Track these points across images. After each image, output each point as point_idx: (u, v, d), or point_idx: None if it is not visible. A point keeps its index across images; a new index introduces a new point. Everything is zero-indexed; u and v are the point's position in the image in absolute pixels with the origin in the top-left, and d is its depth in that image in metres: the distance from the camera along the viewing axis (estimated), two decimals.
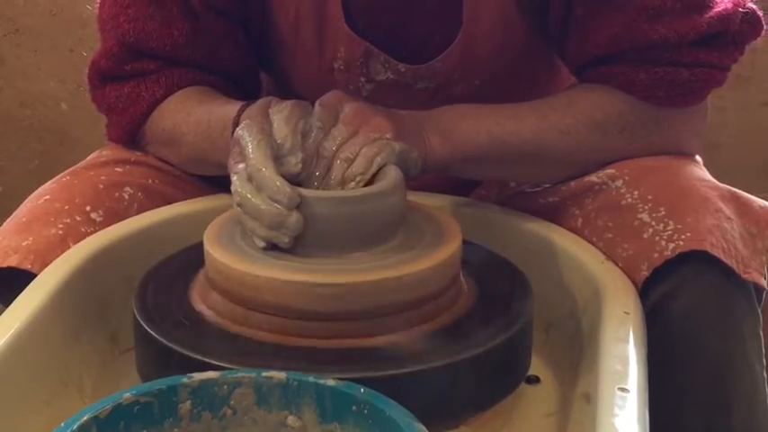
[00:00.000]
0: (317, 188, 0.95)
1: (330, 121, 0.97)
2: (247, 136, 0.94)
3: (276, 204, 0.90)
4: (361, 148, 0.96)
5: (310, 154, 0.95)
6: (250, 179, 0.92)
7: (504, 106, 1.10)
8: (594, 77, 1.12)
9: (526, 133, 1.09)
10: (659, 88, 1.09)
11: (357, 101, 1.00)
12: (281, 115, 0.96)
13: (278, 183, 0.90)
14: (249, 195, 0.92)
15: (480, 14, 1.14)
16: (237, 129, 0.96)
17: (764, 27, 1.12)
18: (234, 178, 0.94)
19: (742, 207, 1.04)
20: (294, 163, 0.94)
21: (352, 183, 0.95)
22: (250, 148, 0.93)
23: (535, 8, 1.14)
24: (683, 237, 0.99)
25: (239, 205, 0.93)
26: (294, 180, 0.94)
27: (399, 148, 0.98)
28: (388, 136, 0.97)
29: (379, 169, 0.96)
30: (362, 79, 1.18)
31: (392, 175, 0.95)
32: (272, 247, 0.93)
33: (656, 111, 1.11)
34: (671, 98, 1.10)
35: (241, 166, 0.94)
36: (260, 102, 1.00)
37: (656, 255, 0.99)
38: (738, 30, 1.10)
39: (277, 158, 0.93)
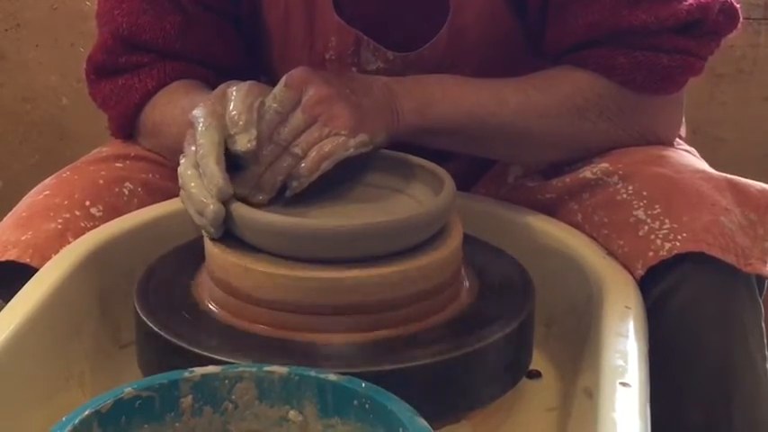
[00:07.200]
0: (261, 173, 0.95)
1: (289, 105, 0.97)
2: (199, 119, 0.94)
3: (208, 192, 0.91)
4: (313, 145, 0.96)
5: (263, 136, 0.95)
6: (196, 164, 0.93)
7: (489, 84, 1.10)
8: (573, 61, 1.12)
9: (507, 114, 1.09)
10: (638, 73, 1.10)
11: (323, 84, 0.99)
12: (238, 93, 0.96)
13: (214, 172, 0.91)
14: (187, 180, 0.93)
15: (466, 4, 1.14)
16: (193, 111, 0.96)
17: (740, 20, 1.13)
18: (182, 161, 0.95)
19: (740, 194, 1.04)
20: (247, 140, 0.93)
21: (295, 182, 0.96)
22: (199, 132, 0.93)
23: None
24: (678, 237, 0.99)
25: (181, 187, 0.94)
26: (248, 158, 0.94)
27: (354, 143, 0.97)
28: (344, 132, 0.97)
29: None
30: (354, 69, 1.18)
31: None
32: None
33: (635, 97, 1.11)
34: (650, 84, 1.11)
35: (192, 148, 0.94)
36: (222, 85, 1.00)
37: (651, 253, 0.99)
38: (716, 19, 1.10)
39: (230, 136, 0.93)
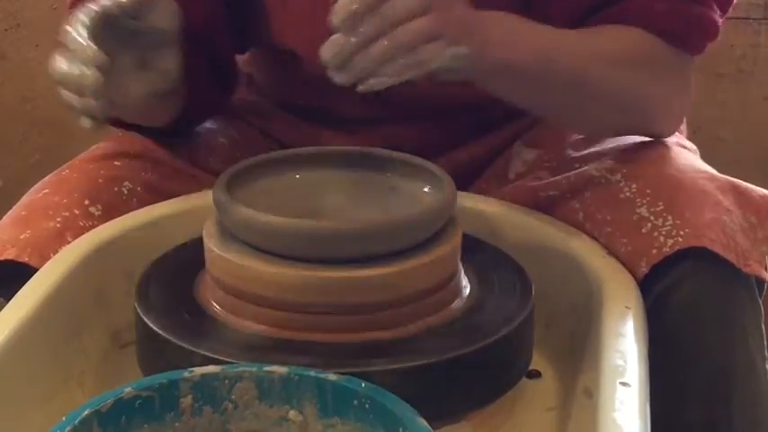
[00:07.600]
0: (353, 48, 0.89)
1: None
2: (78, 12, 0.94)
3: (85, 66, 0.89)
4: (418, 37, 0.90)
5: (365, 9, 0.89)
6: (65, 53, 0.92)
7: (547, 32, 1.06)
8: (609, 17, 1.10)
9: (565, 56, 1.05)
10: (675, 22, 1.09)
11: None
12: None
13: (82, 42, 0.89)
14: (57, 68, 0.91)
15: None
16: None
17: (734, 1, 1.14)
18: (56, 54, 0.94)
19: (741, 197, 1.04)
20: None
21: (375, 80, 0.90)
22: (73, 18, 0.93)
23: None
24: (681, 233, 0.99)
25: (58, 84, 0.92)
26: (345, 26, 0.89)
27: (450, 54, 0.93)
28: (447, 37, 0.92)
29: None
30: None
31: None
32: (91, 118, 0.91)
33: (672, 51, 1.10)
34: (685, 36, 1.09)
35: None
36: None
37: (654, 251, 0.99)
38: None
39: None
